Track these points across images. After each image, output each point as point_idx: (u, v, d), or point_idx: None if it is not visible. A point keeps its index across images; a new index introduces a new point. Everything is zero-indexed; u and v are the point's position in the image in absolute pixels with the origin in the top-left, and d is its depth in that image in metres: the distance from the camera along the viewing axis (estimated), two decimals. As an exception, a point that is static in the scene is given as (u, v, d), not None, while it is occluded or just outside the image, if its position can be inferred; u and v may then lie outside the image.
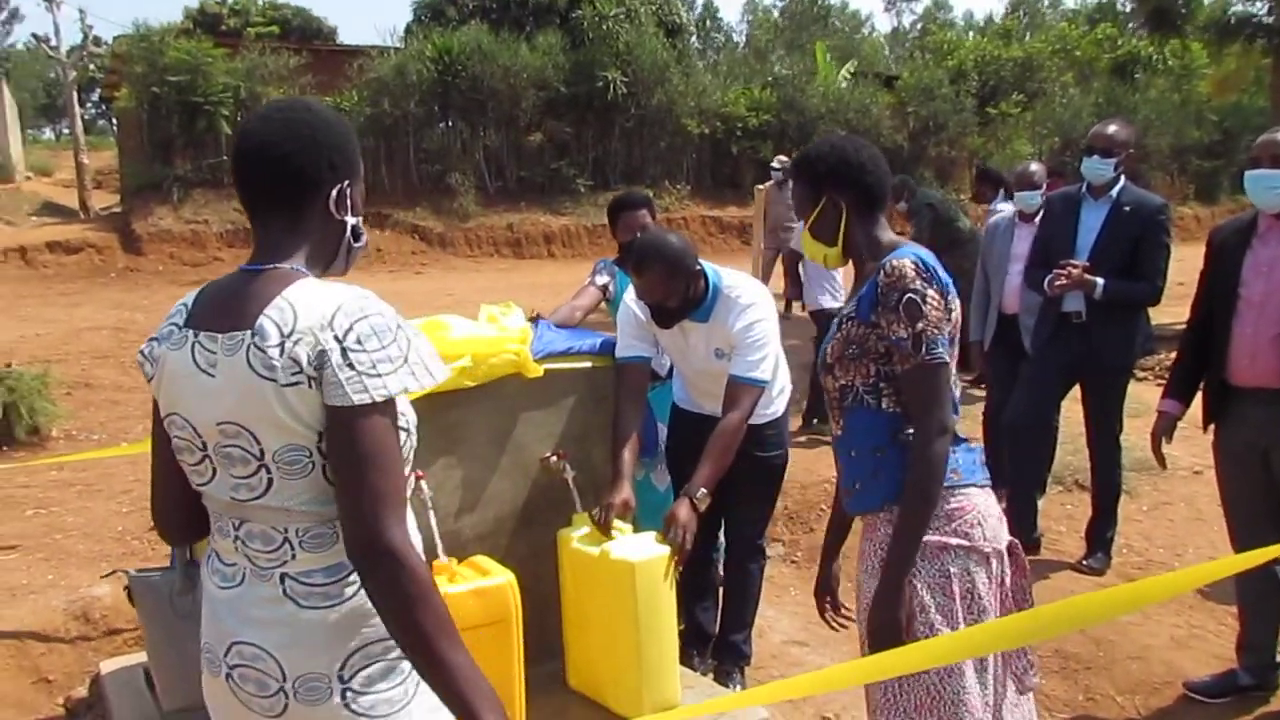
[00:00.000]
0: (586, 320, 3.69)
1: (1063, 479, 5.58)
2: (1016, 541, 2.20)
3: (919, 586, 2.05)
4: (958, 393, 2.16)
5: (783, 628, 4.17)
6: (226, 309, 1.51)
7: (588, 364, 3.06)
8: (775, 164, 11.14)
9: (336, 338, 1.43)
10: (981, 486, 2.13)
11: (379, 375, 1.43)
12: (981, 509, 2.09)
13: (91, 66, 22.82)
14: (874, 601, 2.06)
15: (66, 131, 18.93)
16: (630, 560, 2.65)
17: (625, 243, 3.90)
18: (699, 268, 3.09)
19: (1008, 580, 2.14)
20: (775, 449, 3.40)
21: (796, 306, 8.80)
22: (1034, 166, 5.35)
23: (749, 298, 3.11)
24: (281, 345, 1.43)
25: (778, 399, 3.38)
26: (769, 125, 18.37)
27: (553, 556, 2.94)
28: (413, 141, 16.33)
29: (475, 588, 2.53)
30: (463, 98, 16.38)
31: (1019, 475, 4.78)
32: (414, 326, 1.54)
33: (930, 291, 2.00)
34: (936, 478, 2.01)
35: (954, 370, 2.13)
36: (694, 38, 23.18)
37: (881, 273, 2.04)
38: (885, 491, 2.11)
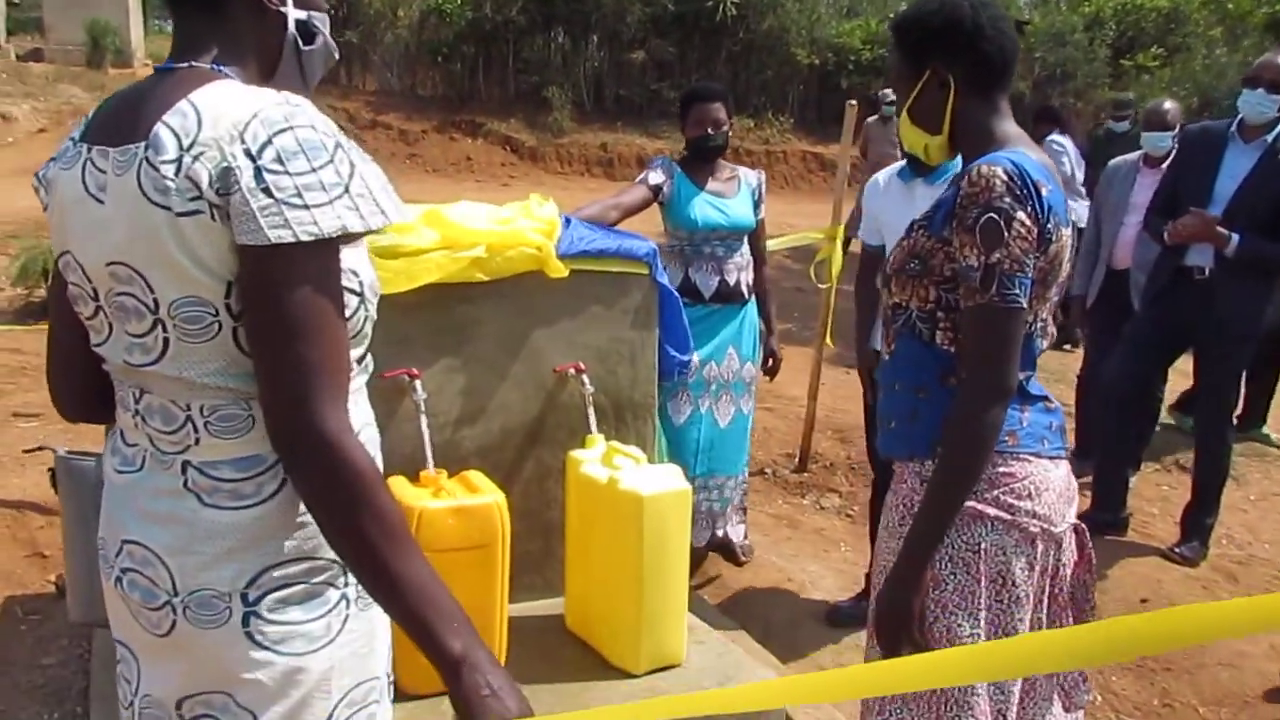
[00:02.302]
0: (628, 224, 3.29)
1: (1160, 456, 5.05)
2: (1083, 526, 1.80)
3: (938, 558, 1.66)
4: (1042, 344, 1.73)
5: (826, 586, 3.80)
6: (123, 118, 1.17)
7: (620, 269, 2.68)
8: (887, 99, 10.36)
9: (249, 153, 1.08)
10: (1049, 457, 1.71)
11: (306, 207, 1.09)
12: (1037, 480, 1.68)
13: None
14: (887, 579, 1.69)
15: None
16: (639, 493, 2.31)
17: (694, 139, 3.49)
18: None
19: (1065, 570, 1.75)
20: None
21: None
22: (1168, 104, 4.72)
23: None
24: (178, 161, 1.09)
25: None
26: (883, 61, 17.42)
27: (561, 480, 2.61)
28: (512, 50, 15.94)
29: (457, 505, 2.22)
30: (567, 8, 15.86)
31: (1112, 447, 4.28)
32: (366, 155, 1.19)
33: (1020, 215, 1.56)
34: (980, 449, 1.60)
35: (1046, 319, 1.71)
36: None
37: (966, 179, 1.60)
38: (919, 441, 1.72)
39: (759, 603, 3.65)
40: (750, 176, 3.60)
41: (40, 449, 2.22)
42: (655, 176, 3.43)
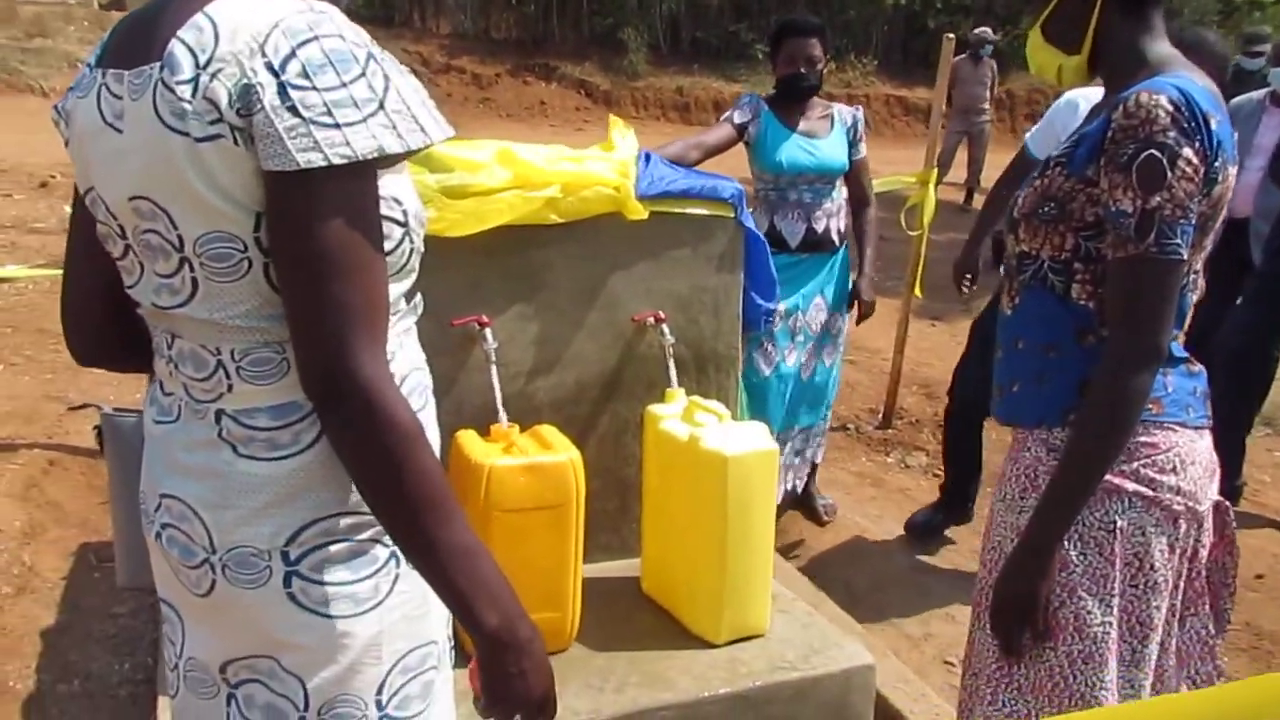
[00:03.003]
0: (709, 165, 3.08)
1: (1274, 421, 4.73)
2: (1226, 504, 1.60)
3: (1066, 538, 1.48)
4: (1192, 299, 1.52)
5: (912, 549, 3.62)
6: (137, 37, 1.05)
7: (704, 211, 2.50)
8: (986, 38, 9.85)
9: (271, 67, 0.96)
10: (1195, 427, 1.52)
11: (337, 126, 0.96)
12: (1182, 452, 1.48)
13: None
14: (1009, 561, 1.51)
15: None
16: (723, 453, 2.15)
17: (785, 77, 3.26)
18: None
19: (1203, 553, 1.56)
20: None
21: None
22: (1301, 36, 4.32)
23: None
24: (195, 80, 0.97)
25: None
26: (973, -1, 16.72)
27: (639, 436, 2.47)
28: (587, -9, 15.68)
29: (530, 462, 2.09)
30: (643, -53, 15.53)
31: (1230, 410, 3.97)
32: (402, 67, 1.04)
33: (1186, 151, 1.34)
34: (1126, 418, 1.41)
35: (1199, 270, 1.49)
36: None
37: (1121, 109, 1.38)
38: (1048, 406, 1.53)
39: (841, 565, 3.48)
40: (845, 113, 3.36)
41: (85, 406, 2.14)
42: (741, 115, 3.22)
